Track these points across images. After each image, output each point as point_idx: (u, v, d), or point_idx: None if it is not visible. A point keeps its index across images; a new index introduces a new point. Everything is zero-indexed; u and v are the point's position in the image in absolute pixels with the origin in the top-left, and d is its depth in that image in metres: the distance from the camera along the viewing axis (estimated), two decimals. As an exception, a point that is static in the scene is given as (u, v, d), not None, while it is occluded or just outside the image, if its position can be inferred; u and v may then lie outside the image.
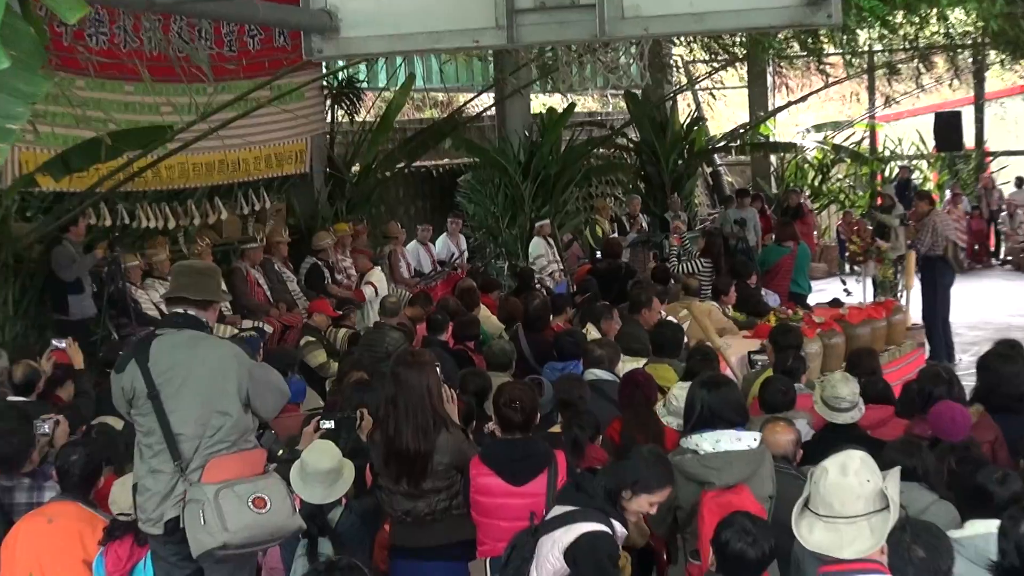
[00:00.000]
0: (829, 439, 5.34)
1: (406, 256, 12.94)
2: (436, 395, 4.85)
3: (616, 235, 14.61)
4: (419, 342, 8.83)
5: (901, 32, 15.84)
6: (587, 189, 17.99)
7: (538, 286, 11.93)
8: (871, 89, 22.30)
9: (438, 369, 4.99)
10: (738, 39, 16.91)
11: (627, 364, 7.21)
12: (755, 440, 4.62)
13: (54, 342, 7.40)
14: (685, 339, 8.12)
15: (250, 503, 4.45)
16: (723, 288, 10.34)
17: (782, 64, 20.71)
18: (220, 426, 4.54)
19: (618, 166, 18.50)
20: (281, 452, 5.43)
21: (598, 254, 13.33)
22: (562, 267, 13.79)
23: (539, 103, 19.20)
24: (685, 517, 4.66)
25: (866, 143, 22.04)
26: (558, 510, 4.28)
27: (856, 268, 14.75)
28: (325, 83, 13.22)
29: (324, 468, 5.03)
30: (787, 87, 22.27)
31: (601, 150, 18.09)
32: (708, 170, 21.75)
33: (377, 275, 11.57)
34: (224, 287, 5.02)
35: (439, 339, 8.48)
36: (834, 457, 3.64)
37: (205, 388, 4.56)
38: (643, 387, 6.21)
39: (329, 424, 5.45)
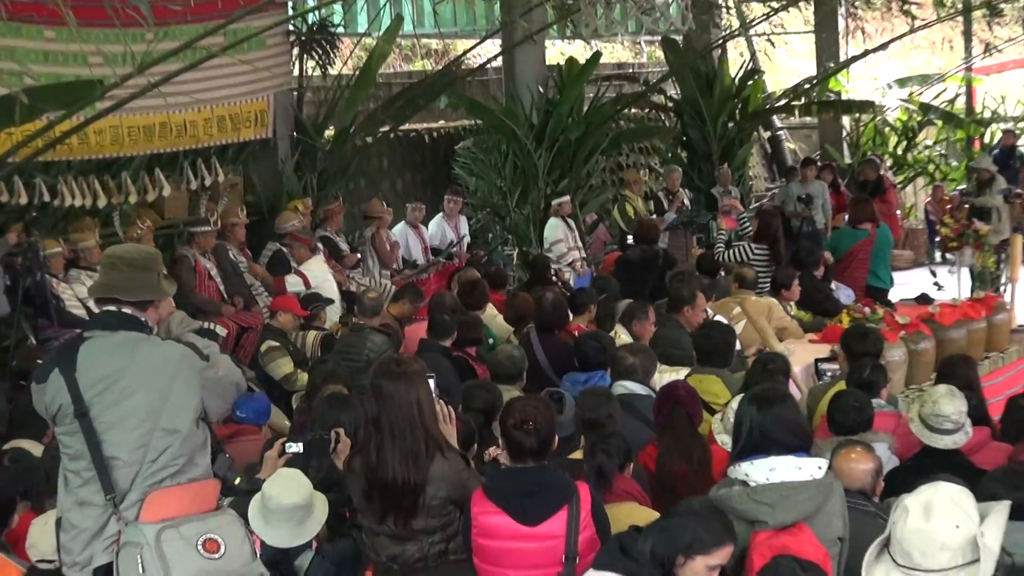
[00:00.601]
0: (924, 467, 5.33)
1: (392, 240, 12.93)
2: (428, 413, 4.85)
3: (652, 215, 14.61)
4: (411, 347, 8.82)
5: (1005, -36, 15.82)
6: (616, 159, 17.99)
7: (555, 278, 11.94)
8: (967, 35, 22.25)
9: (432, 382, 4.98)
10: (803, -28, 16.91)
11: (665, 375, 7.22)
12: (820, 468, 4.60)
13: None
14: (737, 344, 8.11)
15: (199, 547, 4.45)
16: (784, 281, 10.32)
17: (857, 4, 20.65)
18: (165, 447, 4.53)
19: (654, 130, 18.49)
20: (238, 482, 5.42)
21: (629, 239, 13.31)
22: (585, 255, 13.80)
23: (556, 52, 19.20)
24: (733, 564, 4.65)
25: (961, 101, 21.99)
26: None
27: (949, 256, 14.74)
28: (292, 27, 13.21)
29: (291, 503, 5.04)
30: (863, 33, 22.17)
31: (633, 110, 18.08)
32: (766, 135, 21.74)
33: (314, 265, 11.39)
34: (167, 276, 5.00)
35: (441, 344, 8.48)
36: (918, 493, 3.61)
37: (147, 401, 4.55)
38: (684, 404, 6.22)
39: (297, 448, 5.45)
